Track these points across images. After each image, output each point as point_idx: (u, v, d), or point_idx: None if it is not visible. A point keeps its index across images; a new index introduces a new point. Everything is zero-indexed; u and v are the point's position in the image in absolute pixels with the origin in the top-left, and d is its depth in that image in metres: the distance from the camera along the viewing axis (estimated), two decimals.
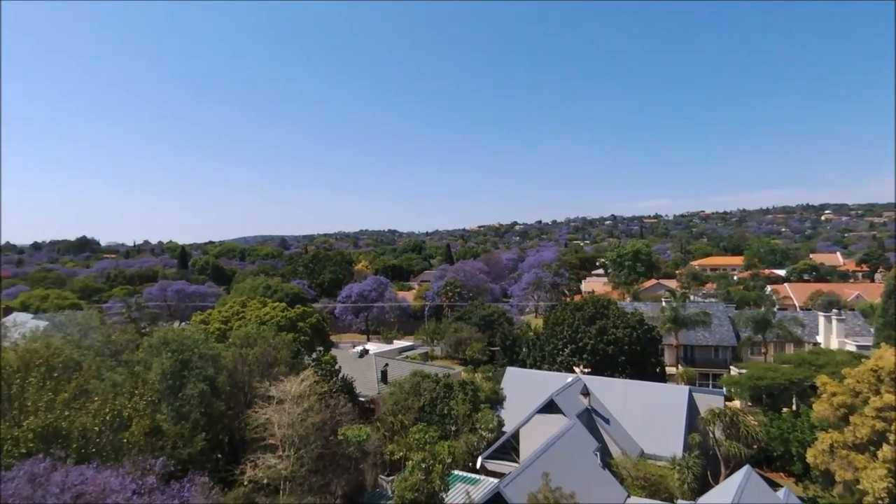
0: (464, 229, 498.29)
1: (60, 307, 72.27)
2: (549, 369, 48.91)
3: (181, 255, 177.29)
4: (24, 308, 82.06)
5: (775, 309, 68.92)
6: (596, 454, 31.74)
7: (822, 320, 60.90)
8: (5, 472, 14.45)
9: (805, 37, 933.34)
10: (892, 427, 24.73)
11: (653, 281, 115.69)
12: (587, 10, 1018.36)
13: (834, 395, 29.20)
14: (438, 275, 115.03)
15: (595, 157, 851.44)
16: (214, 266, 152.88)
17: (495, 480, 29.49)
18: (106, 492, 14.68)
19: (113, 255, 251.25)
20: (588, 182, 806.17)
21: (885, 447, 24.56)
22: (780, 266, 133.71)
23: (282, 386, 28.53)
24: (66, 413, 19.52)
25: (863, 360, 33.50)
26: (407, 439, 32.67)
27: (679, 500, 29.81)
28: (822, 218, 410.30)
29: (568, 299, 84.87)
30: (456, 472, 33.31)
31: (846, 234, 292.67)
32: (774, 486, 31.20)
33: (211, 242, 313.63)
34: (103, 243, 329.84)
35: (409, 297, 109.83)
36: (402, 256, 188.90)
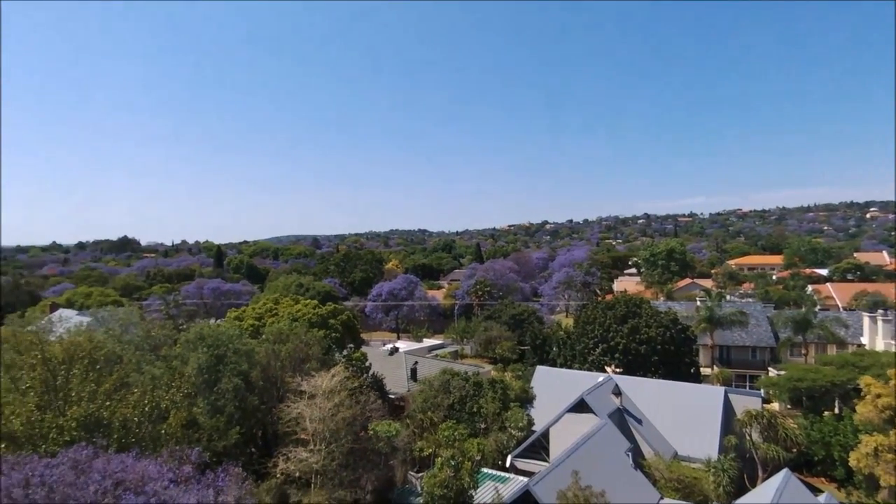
0: (494, 228, 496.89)
1: (103, 304, 74.75)
2: (580, 369, 48.39)
3: (217, 254, 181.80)
4: (69, 305, 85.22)
5: (817, 309, 66.60)
6: (628, 454, 31.29)
7: (866, 321, 58.67)
8: (51, 459, 15.05)
9: (854, 28, 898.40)
10: None
11: (687, 280, 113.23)
12: (622, 4, 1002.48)
13: (879, 396, 28.16)
14: (468, 274, 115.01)
15: (628, 154, 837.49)
16: (249, 265, 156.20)
17: (525, 479, 29.33)
18: (144, 479, 15.16)
19: (152, 255, 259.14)
20: (620, 180, 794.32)
21: None
22: (822, 265, 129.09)
23: (313, 381, 28.93)
24: (108, 403, 20.24)
25: None
26: (436, 436, 32.76)
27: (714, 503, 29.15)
28: (868, 216, 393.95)
29: (599, 299, 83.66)
30: (485, 469, 33.26)
31: (893, 233, 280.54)
32: (815, 491, 30.18)
33: (245, 242, 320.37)
34: (143, 243, 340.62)
35: (438, 295, 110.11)
36: (431, 255, 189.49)
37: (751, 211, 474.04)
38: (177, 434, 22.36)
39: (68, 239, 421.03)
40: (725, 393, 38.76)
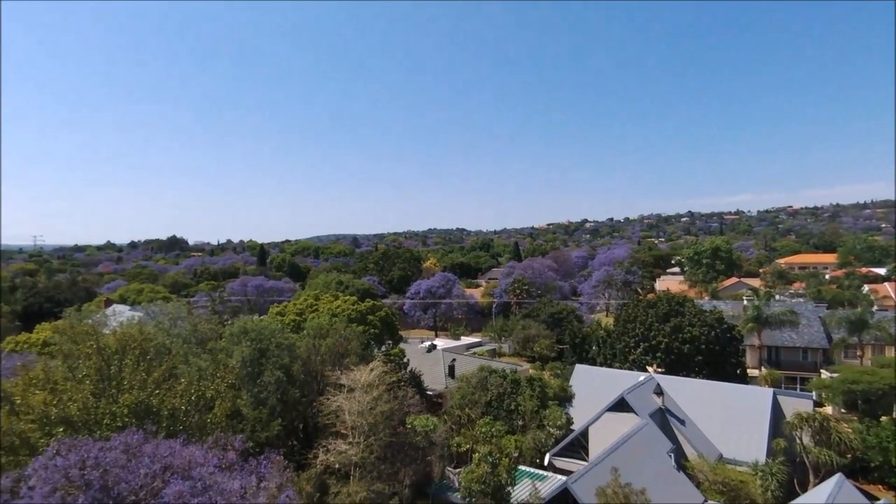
0: (532, 227, 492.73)
1: (153, 300, 77.83)
2: (620, 368, 47.49)
3: (260, 253, 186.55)
4: (122, 300, 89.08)
5: (873, 309, 63.39)
6: (670, 455, 30.57)
7: None
8: (105, 443, 15.74)
9: None
10: None
11: (734, 279, 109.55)
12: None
13: None
14: (506, 272, 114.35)
15: (672, 151, 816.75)
16: (290, 263, 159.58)
17: (563, 477, 29.02)
18: (191, 464, 15.69)
19: (199, 254, 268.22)
20: (663, 177, 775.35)
21: None
22: (880, 264, 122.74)
23: (352, 375, 29.36)
24: (157, 392, 21.06)
25: None
26: (473, 432, 32.73)
27: None
28: None
29: (641, 297, 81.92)
30: (523, 467, 33.07)
31: None
32: (871, 498, 28.74)
33: (287, 241, 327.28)
34: (191, 242, 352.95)
35: (476, 294, 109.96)
36: (469, 254, 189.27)
37: (802, 208, 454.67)
38: (221, 423, 23.05)
39: (122, 239, 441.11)
40: (774, 395, 37.39)
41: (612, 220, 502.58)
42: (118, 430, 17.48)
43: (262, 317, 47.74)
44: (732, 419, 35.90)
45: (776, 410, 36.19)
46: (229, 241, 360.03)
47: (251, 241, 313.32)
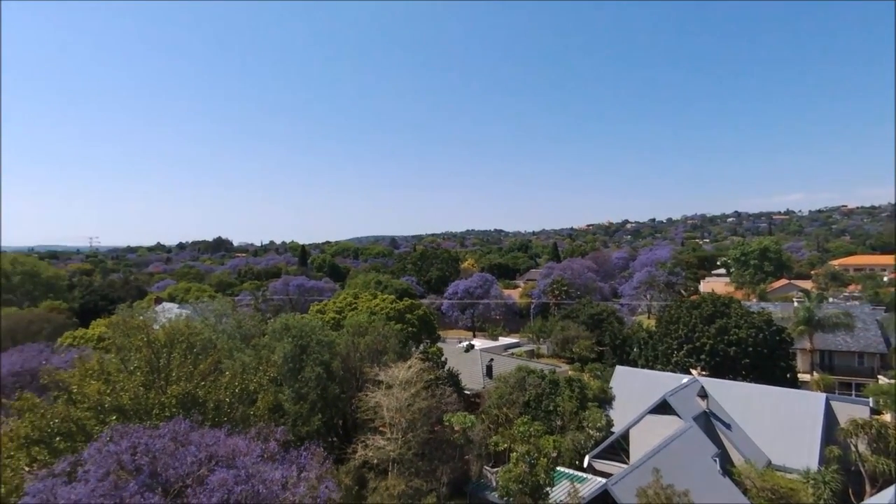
0: (571, 228, 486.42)
1: (199, 298, 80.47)
2: (663, 370, 46.34)
3: (301, 253, 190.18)
4: (171, 299, 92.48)
5: None
6: (715, 460, 29.61)
7: None
8: (154, 430, 16.37)
9: None
10: None
11: (783, 281, 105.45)
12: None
13: None
14: (545, 273, 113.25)
15: (718, 149, 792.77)
16: (331, 264, 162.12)
17: (603, 479, 28.51)
18: (235, 453, 16.15)
19: (243, 254, 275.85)
20: (709, 177, 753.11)
21: None
22: None
23: (390, 371, 29.62)
24: (203, 384, 21.81)
25: None
26: (511, 431, 32.53)
27: None
28: None
29: (684, 299, 79.75)
30: (562, 468, 32.68)
31: None
32: None
33: (328, 242, 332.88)
34: (235, 243, 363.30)
35: (514, 294, 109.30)
36: (507, 255, 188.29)
37: (857, 207, 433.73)
38: (264, 417, 23.68)
39: (171, 240, 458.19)
40: (827, 400, 35.74)
41: (653, 220, 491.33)
42: (167, 419, 18.14)
43: (303, 315, 48.75)
44: (782, 424, 34.52)
45: (829, 416, 34.59)
46: (272, 243, 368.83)
47: (293, 242, 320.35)
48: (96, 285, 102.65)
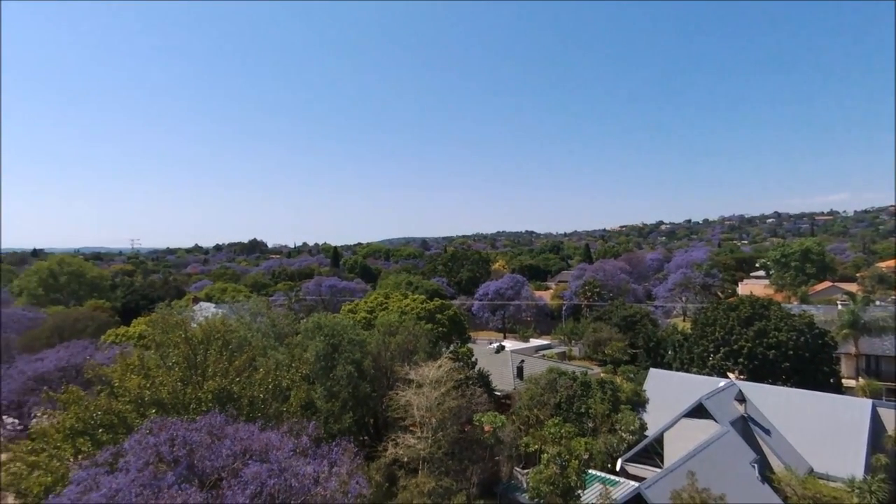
0: (604, 230, 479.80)
1: (235, 298, 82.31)
2: (698, 373, 45.23)
3: (334, 255, 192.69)
4: (208, 298, 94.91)
5: None
6: (753, 466, 28.76)
7: None
8: (191, 423, 16.82)
9: None
10: None
11: (826, 283, 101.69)
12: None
13: None
14: (577, 274, 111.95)
15: (757, 149, 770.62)
16: (362, 265, 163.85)
17: (636, 483, 28.00)
18: (268, 447, 16.48)
19: (277, 256, 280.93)
20: (748, 176, 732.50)
21: None
22: None
23: (421, 370, 29.72)
24: (238, 380, 22.33)
25: None
26: (542, 432, 32.25)
27: None
28: None
29: (721, 300, 77.67)
30: (594, 471, 32.22)
31: None
32: None
33: (359, 244, 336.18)
34: (270, 245, 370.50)
35: (546, 296, 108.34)
36: (539, 256, 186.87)
37: None
38: (297, 413, 24.08)
39: (208, 242, 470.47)
40: (873, 406, 34.30)
41: (689, 221, 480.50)
42: (203, 413, 18.62)
43: (334, 314, 49.38)
44: (825, 431, 33.28)
45: (876, 423, 33.20)
46: (305, 244, 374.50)
47: (325, 243, 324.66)
48: (137, 285, 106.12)
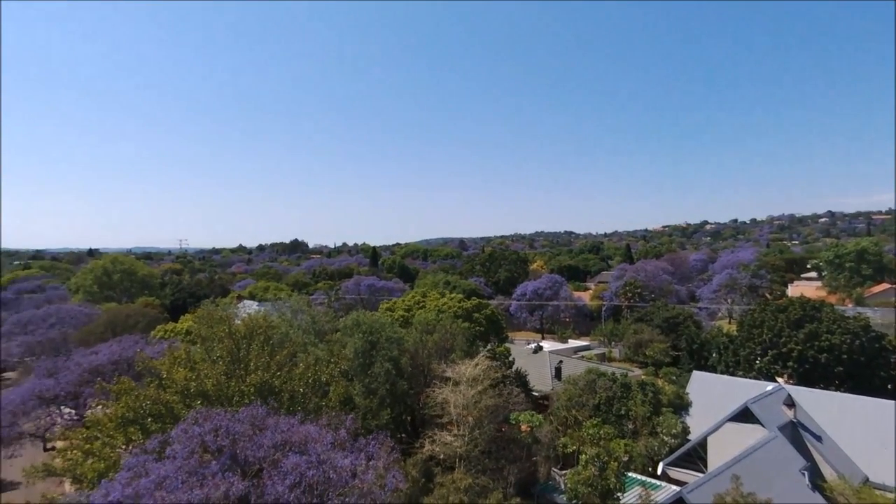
0: (646, 230, 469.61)
1: (277, 297, 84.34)
2: (745, 376, 43.73)
3: (373, 255, 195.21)
4: (251, 297, 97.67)
5: None
6: (804, 473, 27.64)
7: None
8: (235, 414, 17.35)
9: None
10: None
11: (884, 285, 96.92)
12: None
13: None
14: (617, 275, 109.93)
15: (808, 145, 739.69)
16: (401, 265, 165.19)
17: (677, 487, 27.30)
18: (307, 439, 16.83)
19: (318, 255, 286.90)
20: (798, 174, 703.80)
21: None
22: None
23: (457, 369, 29.76)
24: (279, 374, 22.90)
25: None
26: (581, 433, 31.81)
27: None
28: None
29: (769, 302, 74.81)
30: (634, 474, 31.59)
31: None
32: None
33: (398, 244, 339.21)
34: (311, 245, 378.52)
35: (585, 297, 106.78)
36: (578, 257, 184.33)
37: None
38: (335, 408, 24.50)
39: (251, 242, 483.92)
40: None
41: (735, 221, 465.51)
42: (245, 405, 19.16)
43: (373, 313, 49.99)
44: (882, 439, 31.68)
45: None
46: (345, 244, 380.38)
47: (364, 244, 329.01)
48: (185, 283, 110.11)
